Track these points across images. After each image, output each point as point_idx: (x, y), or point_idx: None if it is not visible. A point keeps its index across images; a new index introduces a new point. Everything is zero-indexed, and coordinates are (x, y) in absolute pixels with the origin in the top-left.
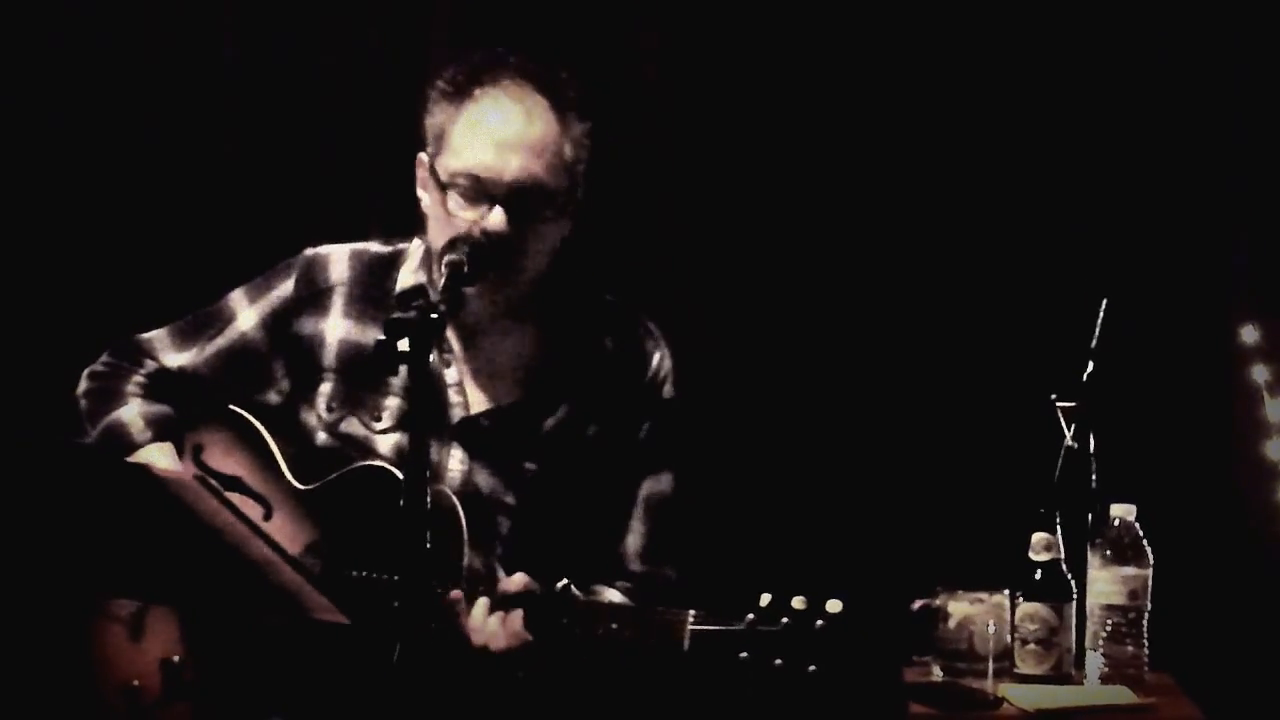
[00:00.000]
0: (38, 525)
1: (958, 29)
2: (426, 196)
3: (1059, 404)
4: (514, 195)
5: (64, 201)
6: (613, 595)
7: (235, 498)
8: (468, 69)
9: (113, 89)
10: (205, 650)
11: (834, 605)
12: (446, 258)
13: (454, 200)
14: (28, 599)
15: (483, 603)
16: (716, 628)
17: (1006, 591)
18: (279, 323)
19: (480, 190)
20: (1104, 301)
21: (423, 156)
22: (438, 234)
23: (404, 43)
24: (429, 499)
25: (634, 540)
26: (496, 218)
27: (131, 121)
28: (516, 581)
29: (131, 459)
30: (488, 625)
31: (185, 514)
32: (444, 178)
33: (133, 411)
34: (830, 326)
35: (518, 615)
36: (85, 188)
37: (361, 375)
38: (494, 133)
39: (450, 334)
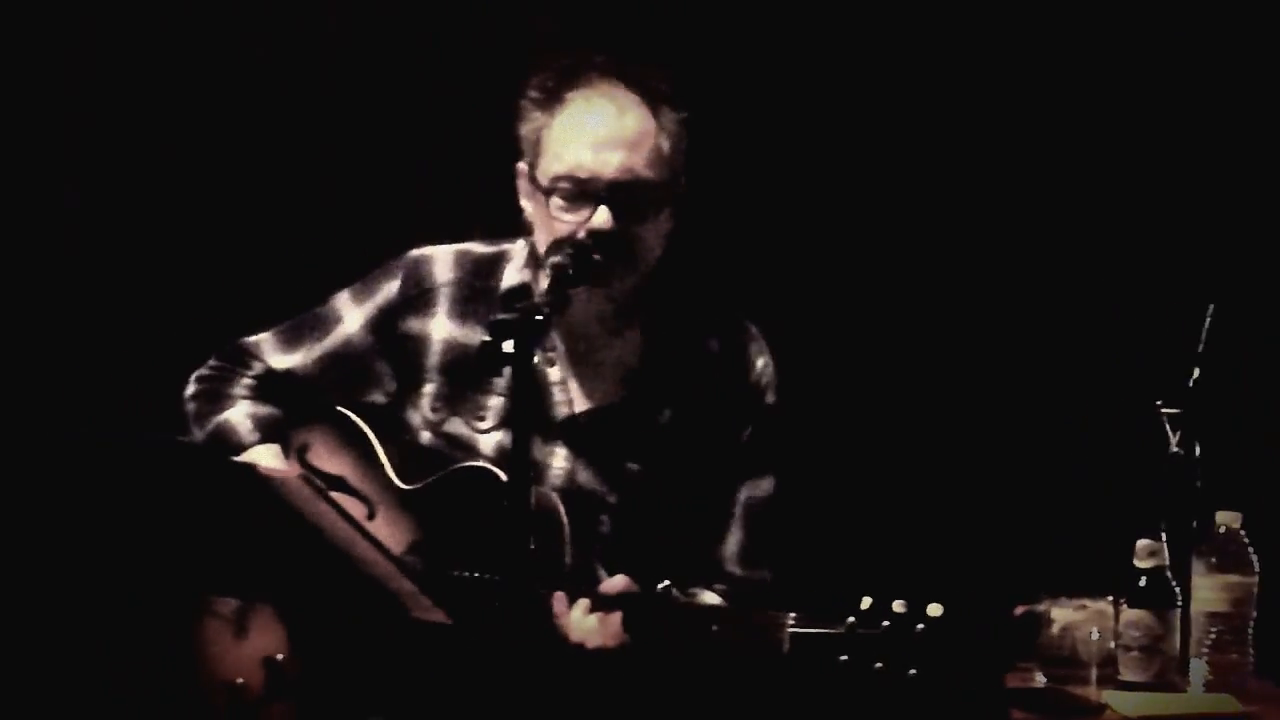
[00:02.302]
0: (145, 522)
1: (1066, 31)
2: (529, 205)
3: (1164, 410)
4: (617, 193)
5: (171, 207)
6: (710, 597)
7: (339, 497)
8: (556, 74)
9: (221, 96)
10: (307, 649)
11: (935, 609)
12: (551, 260)
13: (557, 205)
14: (134, 595)
15: (583, 603)
16: (816, 630)
17: (1110, 598)
18: (385, 324)
19: (582, 192)
20: (1211, 307)
21: (521, 166)
22: (543, 238)
23: (505, 46)
24: (532, 499)
25: (733, 543)
26: (602, 216)
27: (241, 127)
28: (617, 583)
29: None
30: (586, 624)
31: (290, 513)
32: (545, 183)
33: (241, 413)
34: (936, 331)
35: (616, 616)
36: (190, 194)
37: (465, 375)
38: (590, 133)
39: (555, 333)
